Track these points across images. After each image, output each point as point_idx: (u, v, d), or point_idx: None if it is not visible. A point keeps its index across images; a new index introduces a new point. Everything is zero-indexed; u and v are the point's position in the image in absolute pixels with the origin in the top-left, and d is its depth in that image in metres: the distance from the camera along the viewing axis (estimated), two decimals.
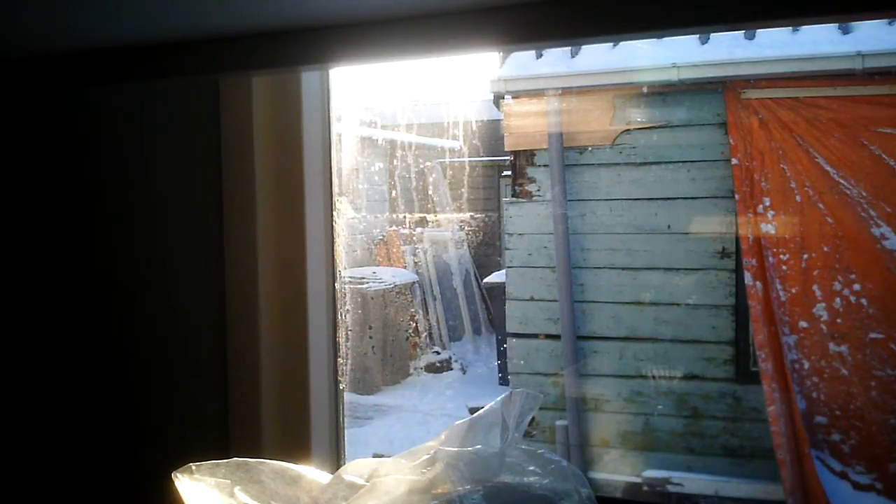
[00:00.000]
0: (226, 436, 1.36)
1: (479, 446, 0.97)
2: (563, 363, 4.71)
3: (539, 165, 4.78)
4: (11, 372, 1.56)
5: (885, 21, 4.04)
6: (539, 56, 4.72)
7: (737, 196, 4.25)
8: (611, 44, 4.47)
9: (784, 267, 4.18)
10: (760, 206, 4.22)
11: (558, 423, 4.73)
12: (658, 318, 4.55)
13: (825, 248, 4.13)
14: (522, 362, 4.87)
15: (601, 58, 4.50)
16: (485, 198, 7.92)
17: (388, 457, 0.99)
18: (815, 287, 4.15)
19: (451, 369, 7.06)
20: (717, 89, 4.32)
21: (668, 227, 4.50)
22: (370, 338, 6.62)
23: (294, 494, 0.95)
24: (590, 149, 4.67)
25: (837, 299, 4.11)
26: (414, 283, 7.23)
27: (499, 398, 1.03)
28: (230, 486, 0.92)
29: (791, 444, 4.13)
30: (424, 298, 7.30)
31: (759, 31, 4.07)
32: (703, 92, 4.39)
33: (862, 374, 4.07)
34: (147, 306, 1.46)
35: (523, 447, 1.00)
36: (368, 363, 6.60)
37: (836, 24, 4.07)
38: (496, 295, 6.39)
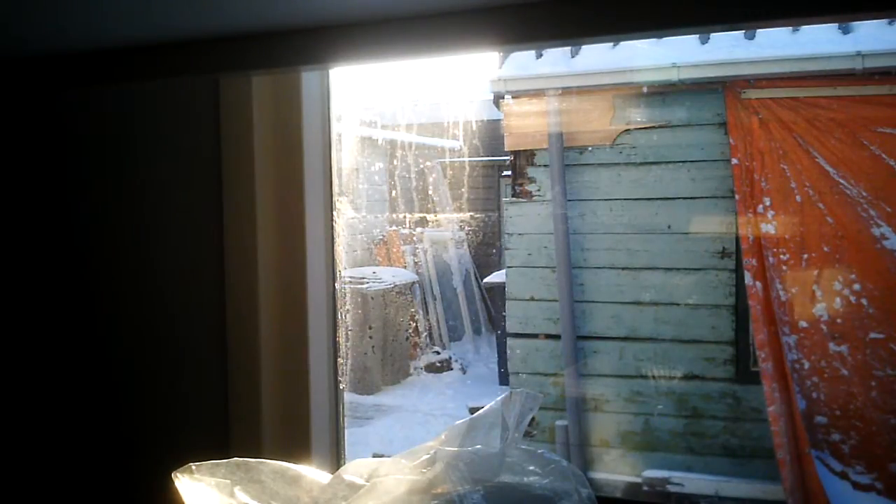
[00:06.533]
0: (226, 436, 1.36)
1: (479, 446, 0.97)
2: (563, 363, 4.71)
3: (539, 165, 4.78)
4: (11, 372, 1.56)
5: (885, 21, 4.04)
6: (539, 56, 4.72)
7: (737, 196, 4.25)
8: (611, 44, 4.47)
9: (784, 267, 4.18)
10: (760, 206, 4.22)
11: (558, 423, 4.73)
12: (658, 318, 4.55)
13: (825, 248, 4.13)
14: (522, 362, 4.87)
15: (601, 58, 4.50)
16: (485, 198, 7.92)
17: (388, 457, 0.99)
18: (815, 287, 4.14)
19: (451, 369, 7.06)
20: (717, 89, 4.32)
21: (668, 227, 4.50)
22: (370, 338, 6.62)
23: (294, 494, 0.95)
24: (590, 149, 4.67)
25: (837, 299, 4.11)
26: (414, 283, 7.23)
27: (499, 398, 1.03)
28: (230, 486, 0.92)
29: (791, 444, 4.13)
30: (424, 298, 7.30)
31: (759, 31, 4.07)
32: (703, 92, 4.39)
33: (862, 374, 4.07)
34: (147, 306, 1.46)
35: (523, 447, 1.00)
36: (368, 363, 6.60)
37: (836, 24, 4.07)
38: (496, 295, 6.39)
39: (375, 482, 0.94)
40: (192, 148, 1.40)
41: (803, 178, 4.13)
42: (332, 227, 1.42)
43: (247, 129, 1.32)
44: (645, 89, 4.51)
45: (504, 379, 5.85)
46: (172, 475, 0.93)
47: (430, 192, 7.82)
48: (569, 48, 4.61)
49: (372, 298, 6.66)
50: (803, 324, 4.16)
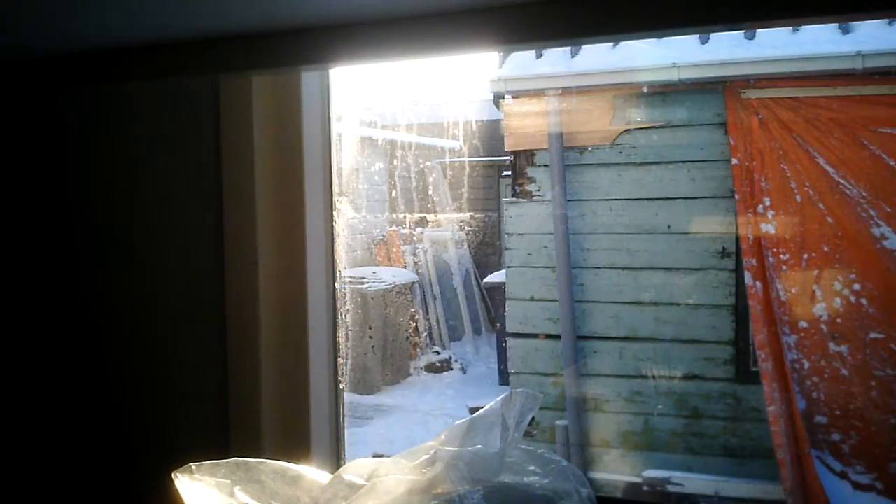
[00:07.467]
0: (226, 436, 1.36)
1: (479, 446, 0.97)
2: (563, 363, 4.71)
3: (539, 165, 4.78)
4: (10, 372, 1.56)
5: (885, 21, 4.04)
6: (539, 56, 4.72)
7: (737, 196, 4.25)
8: (611, 44, 4.47)
9: (784, 267, 4.18)
10: (760, 206, 4.22)
11: (558, 423, 4.73)
12: (658, 318, 4.55)
13: (825, 248, 4.13)
14: (522, 362, 4.87)
15: (601, 58, 4.50)
16: (485, 198, 7.92)
17: (388, 457, 0.99)
18: (815, 287, 4.14)
19: (451, 369, 7.06)
20: (717, 89, 4.32)
21: (668, 227, 4.50)
22: (370, 338, 6.62)
23: (294, 494, 0.95)
24: (590, 149, 4.67)
25: (837, 299, 4.11)
26: (414, 283, 7.23)
27: (499, 398, 1.03)
28: (230, 486, 0.92)
29: (791, 444, 4.13)
30: (424, 298, 7.30)
31: (759, 31, 4.07)
32: (703, 92, 4.39)
33: (862, 374, 4.07)
34: (147, 306, 1.46)
35: (523, 447, 1.00)
36: (368, 363, 6.60)
37: (836, 24, 4.07)
38: (496, 295, 6.39)
39: (375, 482, 0.94)
40: (192, 148, 1.40)
41: (803, 178, 4.13)
42: (332, 227, 1.42)
43: (247, 129, 1.32)
44: (645, 89, 4.51)
45: (504, 379, 5.86)
46: (172, 475, 0.93)
47: (430, 192, 7.82)
48: (569, 48, 4.61)
49: (372, 298, 6.66)
50: (803, 324, 4.16)
